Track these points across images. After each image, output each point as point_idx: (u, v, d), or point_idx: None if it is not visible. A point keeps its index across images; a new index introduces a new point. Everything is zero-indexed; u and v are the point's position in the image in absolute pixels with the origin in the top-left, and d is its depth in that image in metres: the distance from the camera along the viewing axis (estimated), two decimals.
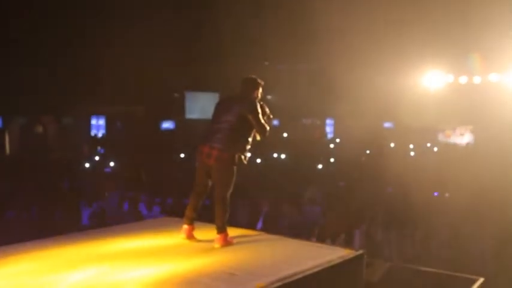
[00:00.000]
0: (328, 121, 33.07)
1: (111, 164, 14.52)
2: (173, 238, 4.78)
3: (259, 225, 8.13)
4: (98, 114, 26.55)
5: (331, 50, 20.03)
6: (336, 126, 32.68)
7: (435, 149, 22.94)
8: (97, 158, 17.56)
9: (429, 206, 8.67)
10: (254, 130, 4.71)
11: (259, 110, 4.65)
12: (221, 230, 4.61)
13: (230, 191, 4.66)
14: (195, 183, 4.83)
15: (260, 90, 4.84)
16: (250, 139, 4.72)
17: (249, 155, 4.76)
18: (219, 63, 21.91)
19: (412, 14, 17.76)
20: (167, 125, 28.63)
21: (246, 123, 4.62)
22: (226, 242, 4.60)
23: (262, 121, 4.66)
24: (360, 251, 4.51)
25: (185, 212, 4.80)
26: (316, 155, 18.17)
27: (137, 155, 17.49)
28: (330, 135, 31.87)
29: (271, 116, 4.85)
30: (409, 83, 24.77)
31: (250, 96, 4.75)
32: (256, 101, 4.76)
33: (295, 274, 3.85)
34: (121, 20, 19.04)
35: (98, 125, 26.74)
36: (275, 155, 18.34)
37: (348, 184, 11.83)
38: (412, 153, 20.53)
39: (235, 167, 4.64)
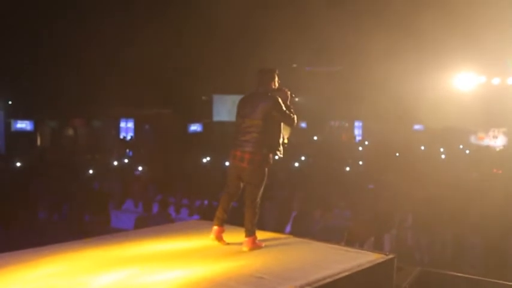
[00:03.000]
0: (357, 123, 32.82)
1: (140, 168, 14.65)
2: (202, 241, 4.77)
3: (288, 228, 8.07)
4: (126, 117, 26.88)
5: (361, 52, 19.87)
6: (364, 129, 32.41)
7: (467, 151, 22.48)
8: (126, 160, 17.74)
9: (461, 210, 8.48)
10: (281, 127, 4.70)
11: (282, 103, 4.62)
12: (250, 233, 4.58)
13: (261, 193, 4.65)
14: (226, 185, 4.82)
15: (276, 78, 4.81)
16: (280, 133, 4.71)
17: (281, 149, 4.73)
18: (247, 66, 21.96)
19: (443, 16, 17.49)
20: (195, 127, 28.81)
21: (273, 120, 4.61)
22: (255, 245, 4.57)
23: (288, 112, 4.65)
24: (391, 255, 4.43)
25: (216, 213, 4.80)
26: (345, 158, 18.00)
27: (165, 157, 17.61)
28: (358, 138, 31.60)
29: (294, 95, 4.82)
30: (440, 84, 24.40)
31: (269, 88, 4.72)
32: (275, 92, 4.72)
33: (324, 278, 3.80)
34: (150, 25, 19.24)
35: (127, 128, 27.07)
36: (303, 158, 18.24)
37: (377, 187, 11.68)
38: (443, 156, 20.14)
39: (267, 169, 4.64)
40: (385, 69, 22.15)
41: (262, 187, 4.65)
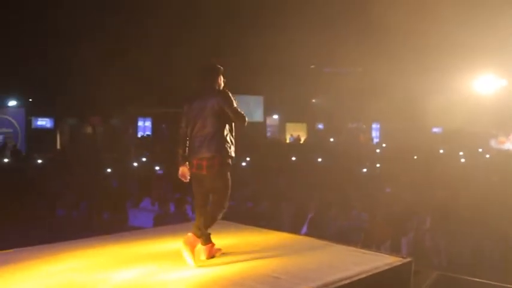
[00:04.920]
0: (374, 125, 32.59)
1: (157, 167, 14.69)
2: (218, 240, 4.77)
3: (304, 229, 8.06)
4: (144, 116, 27.03)
5: (379, 53, 19.74)
6: (382, 131, 32.19)
7: (487, 155, 22.17)
8: (144, 159, 17.84)
9: (480, 214, 8.38)
10: (232, 125, 4.42)
11: (233, 99, 4.34)
12: (201, 235, 4.27)
13: (228, 195, 4.39)
14: (194, 197, 4.57)
15: (222, 77, 4.50)
16: (232, 132, 4.44)
17: (233, 149, 4.42)
18: (265, 66, 21.95)
19: (464, 17, 17.30)
20: None
21: (223, 121, 4.33)
22: (210, 254, 4.31)
23: (239, 109, 4.35)
24: (408, 259, 4.38)
25: (195, 223, 4.46)
26: (362, 160, 17.89)
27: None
28: (376, 140, 31.39)
29: (236, 101, 4.45)
30: (460, 87, 24.14)
31: (215, 86, 4.44)
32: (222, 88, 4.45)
33: (340, 280, 3.78)
34: (168, 25, 19.34)
35: (145, 127, 27.23)
36: (320, 159, 18.17)
37: (395, 190, 11.59)
38: (462, 160, 19.89)
39: (228, 169, 4.39)
40: (404, 71, 21.98)
41: (229, 188, 4.34)
